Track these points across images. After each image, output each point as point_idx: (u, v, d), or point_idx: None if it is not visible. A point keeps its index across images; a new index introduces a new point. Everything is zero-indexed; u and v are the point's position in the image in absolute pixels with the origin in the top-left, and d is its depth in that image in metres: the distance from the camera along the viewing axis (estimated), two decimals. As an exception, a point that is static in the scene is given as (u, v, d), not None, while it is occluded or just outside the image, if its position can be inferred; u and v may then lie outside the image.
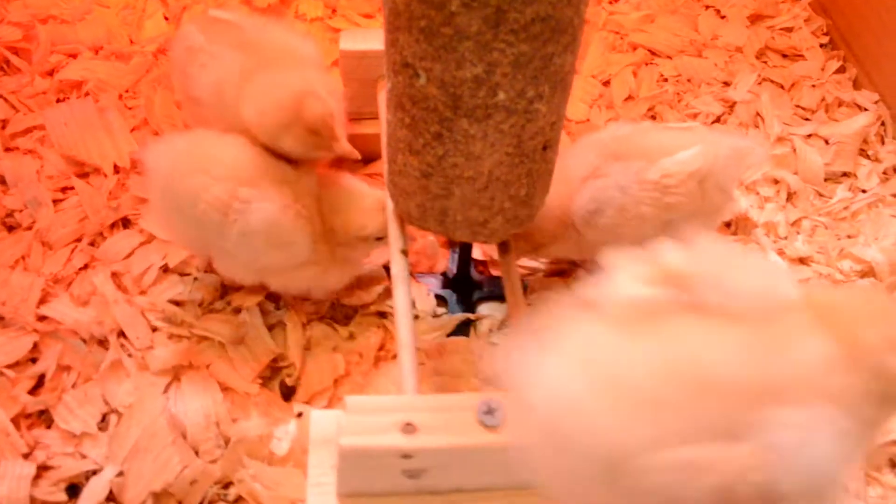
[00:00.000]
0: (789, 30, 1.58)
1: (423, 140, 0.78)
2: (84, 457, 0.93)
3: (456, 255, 1.13)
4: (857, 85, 1.48)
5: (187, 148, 0.95)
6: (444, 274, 1.15)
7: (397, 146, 0.83)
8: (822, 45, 1.55)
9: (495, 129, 0.75)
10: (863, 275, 1.19)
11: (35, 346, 1.02)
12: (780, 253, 1.21)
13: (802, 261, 1.20)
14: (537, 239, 1.04)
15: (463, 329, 1.09)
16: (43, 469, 0.92)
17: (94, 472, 0.92)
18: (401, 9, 0.70)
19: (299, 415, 0.98)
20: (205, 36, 1.04)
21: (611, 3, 1.62)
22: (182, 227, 0.98)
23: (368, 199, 0.99)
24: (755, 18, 1.60)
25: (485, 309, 1.12)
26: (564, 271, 1.16)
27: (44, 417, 0.97)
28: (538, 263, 1.18)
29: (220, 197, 0.91)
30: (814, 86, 1.47)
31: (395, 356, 1.05)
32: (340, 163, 1.16)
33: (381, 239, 0.98)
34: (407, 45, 0.72)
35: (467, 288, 1.13)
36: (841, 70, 1.50)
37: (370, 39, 1.13)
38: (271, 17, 1.42)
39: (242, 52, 1.01)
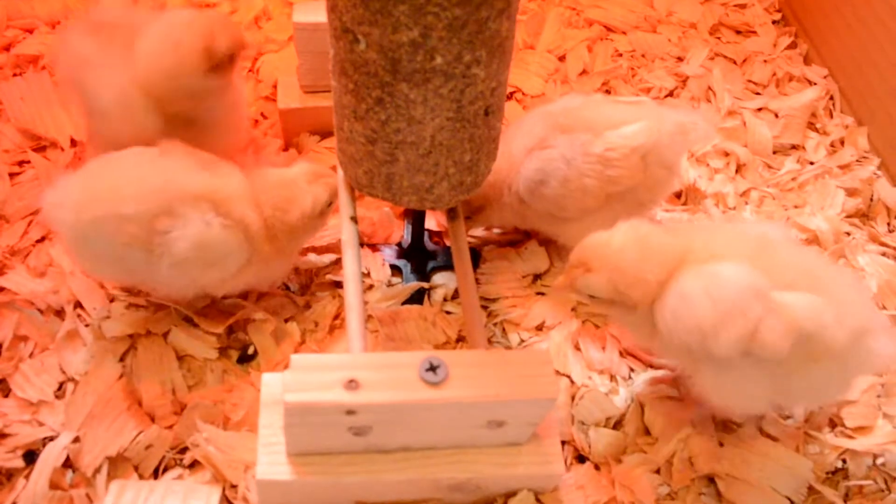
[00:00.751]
0: (742, 6, 1.61)
1: (366, 105, 0.80)
2: (41, 424, 0.95)
3: (410, 226, 1.15)
4: (807, 60, 1.52)
5: (88, 189, 0.88)
6: (399, 244, 1.17)
7: (343, 113, 0.85)
8: (774, 22, 1.58)
9: (434, 94, 0.77)
10: (808, 243, 1.22)
11: (-9, 316, 1.03)
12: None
13: (750, 230, 1.23)
14: (473, 203, 1.06)
15: (417, 298, 1.11)
16: (0, 436, 0.93)
17: (51, 439, 0.93)
18: (338, -26, 0.71)
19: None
20: (94, 43, 0.99)
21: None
22: (108, 268, 0.94)
23: (295, 179, 0.95)
24: (709, -5, 1.63)
25: (439, 278, 1.14)
26: (517, 241, 1.19)
27: (1, 386, 0.98)
28: (491, 233, 1.20)
29: (138, 235, 0.87)
30: (765, 61, 1.50)
31: (350, 324, 1.07)
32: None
33: (330, 206, 0.98)
34: (345, 9, 0.73)
35: (422, 257, 1.15)
36: (792, 46, 1.54)
37: (323, 11, 1.14)
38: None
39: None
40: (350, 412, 0.74)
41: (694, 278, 0.81)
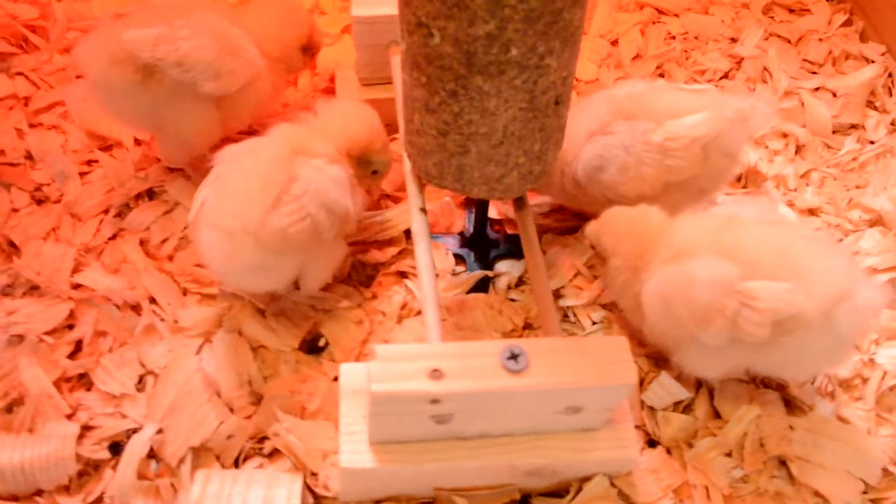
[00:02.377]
0: (796, -16, 1.59)
1: (439, 98, 0.81)
2: (124, 416, 0.98)
3: (472, 215, 1.16)
4: (863, 37, 1.50)
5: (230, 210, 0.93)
6: (461, 233, 1.18)
7: (414, 106, 0.86)
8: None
9: (508, 85, 0.78)
10: (872, 224, 1.21)
11: (71, 313, 1.06)
12: (790, 204, 1.23)
13: (812, 212, 1.23)
14: None
15: (481, 286, 1.12)
16: (86, 429, 0.96)
17: (135, 431, 0.96)
18: (414, -30, 0.72)
19: (336, 379, 1.01)
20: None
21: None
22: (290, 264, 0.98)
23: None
24: (762, -26, 1.61)
25: (502, 266, 1.15)
26: (575, 228, 1.19)
27: (83, 381, 1.01)
28: (549, 221, 1.21)
29: (292, 209, 0.92)
30: (820, 39, 1.48)
31: (417, 314, 1.09)
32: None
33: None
34: (420, 5, 0.74)
35: (484, 246, 1.16)
36: (847, 23, 1.52)
37: (381, 4, 1.16)
38: None
39: (200, 11, 1.08)
40: (434, 401, 0.75)
41: (670, 281, 0.90)
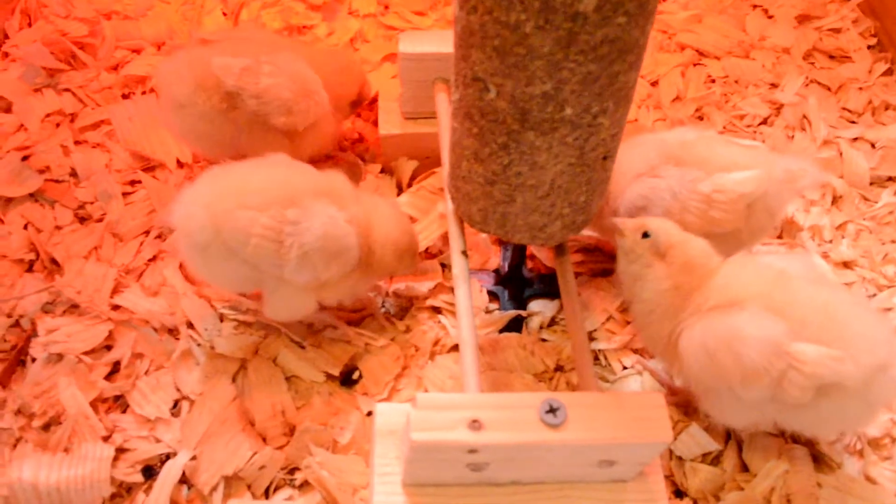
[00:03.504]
0: (837, 31, 1.59)
1: (490, 150, 0.82)
2: (158, 440, 0.99)
3: (508, 252, 1.16)
4: (904, 88, 1.49)
5: (215, 189, 0.93)
6: (495, 271, 1.19)
7: (462, 153, 0.87)
8: (869, 47, 1.56)
9: (560, 142, 0.78)
10: (906, 279, 1.21)
11: (110, 334, 1.07)
12: (825, 256, 1.23)
13: (847, 265, 1.23)
14: None
15: (515, 325, 1.13)
16: (120, 451, 0.98)
17: (168, 456, 0.98)
18: (475, 27, 0.73)
19: (369, 413, 1.02)
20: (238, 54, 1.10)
21: (659, 2, 1.64)
22: (232, 271, 0.95)
23: (404, 220, 1.05)
24: (803, 19, 1.61)
25: (535, 306, 1.15)
26: (609, 271, 1.20)
27: (119, 402, 1.03)
28: (584, 265, 1.21)
29: (270, 226, 0.90)
30: (861, 88, 1.48)
31: (450, 350, 1.09)
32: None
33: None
34: (479, 61, 0.75)
35: (518, 285, 1.16)
36: (888, 73, 1.51)
37: (427, 42, 1.17)
38: (307, 42, 1.53)
39: (283, 51, 1.13)
40: (472, 451, 0.76)
41: (717, 333, 0.87)
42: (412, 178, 1.28)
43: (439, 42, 1.16)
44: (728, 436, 1.03)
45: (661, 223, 0.94)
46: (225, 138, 1.12)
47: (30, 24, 1.47)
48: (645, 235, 0.93)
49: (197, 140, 1.14)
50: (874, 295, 1.19)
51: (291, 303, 1.00)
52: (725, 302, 0.89)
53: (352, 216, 0.96)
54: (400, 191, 1.28)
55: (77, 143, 1.31)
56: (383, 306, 1.14)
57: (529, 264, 1.20)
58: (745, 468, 1.01)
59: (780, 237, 1.26)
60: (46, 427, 0.99)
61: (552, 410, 0.77)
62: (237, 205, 0.90)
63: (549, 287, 1.16)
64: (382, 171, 1.30)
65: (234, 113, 1.10)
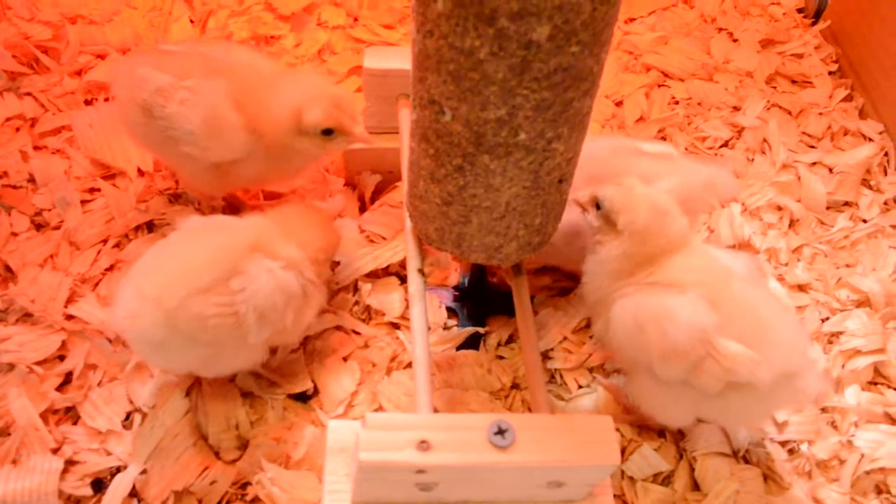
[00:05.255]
0: (800, 56, 1.62)
1: (446, 171, 0.82)
2: (109, 453, 0.98)
3: (470, 272, 1.17)
4: (863, 114, 1.52)
5: (158, 281, 0.88)
6: (455, 287, 1.19)
7: (419, 173, 0.87)
8: (830, 73, 1.59)
9: (514, 166, 0.79)
10: (859, 304, 1.23)
11: (63, 344, 1.06)
12: (780, 279, 1.25)
13: (801, 288, 1.25)
14: None
15: (472, 342, 1.14)
16: (70, 464, 0.96)
17: (119, 469, 0.97)
18: (431, 51, 0.74)
19: (322, 427, 1.02)
20: (169, 73, 1.03)
21: (626, 22, 1.66)
22: (194, 354, 0.92)
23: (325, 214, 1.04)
24: (767, 43, 1.64)
25: (494, 323, 1.16)
26: (567, 290, 1.20)
27: (70, 414, 1.02)
28: (541, 283, 1.22)
29: (221, 303, 0.88)
30: (821, 113, 1.51)
31: (406, 366, 1.10)
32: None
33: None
34: (434, 84, 0.76)
35: (478, 302, 1.17)
36: (848, 98, 1.54)
37: (393, 58, 1.17)
38: (274, 53, 1.51)
39: (217, 79, 1.03)
40: (420, 471, 0.76)
41: (651, 307, 0.90)
42: (375, 192, 1.28)
43: (404, 59, 1.16)
44: (680, 456, 1.04)
45: (611, 191, 0.93)
46: (153, 144, 1.09)
47: (-7, 26, 1.45)
48: (598, 207, 0.95)
49: (135, 140, 1.13)
50: (826, 318, 1.21)
51: (246, 361, 0.98)
52: (666, 281, 0.91)
53: (286, 259, 0.94)
54: (363, 203, 1.28)
55: (36, 148, 1.29)
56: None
57: (494, 280, 1.21)
58: (696, 488, 1.02)
59: (736, 259, 1.27)
60: (-5, 438, 0.98)
61: (501, 432, 0.77)
62: (187, 290, 0.87)
63: (508, 304, 1.16)
64: (346, 184, 1.30)
65: (153, 125, 1.05)
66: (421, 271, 0.96)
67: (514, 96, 0.72)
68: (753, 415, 0.98)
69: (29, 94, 1.36)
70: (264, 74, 1.07)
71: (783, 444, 1.07)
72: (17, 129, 1.31)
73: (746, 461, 1.05)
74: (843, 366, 1.15)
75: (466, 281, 1.18)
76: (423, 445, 0.76)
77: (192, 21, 1.54)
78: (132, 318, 0.87)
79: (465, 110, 0.75)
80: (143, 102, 1.03)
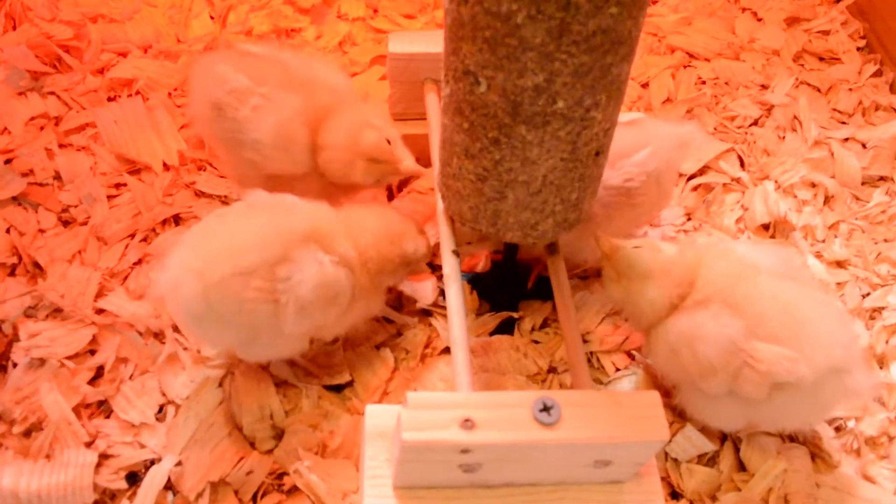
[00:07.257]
0: (826, 33, 1.59)
1: (481, 145, 0.81)
2: (143, 446, 0.97)
3: (498, 254, 1.15)
4: (893, 89, 1.49)
5: (203, 255, 0.86)
6: (487, 273, 1.17)
7: (453, 150, 0.86)
8: (858, 49, 1.56)
9: (552, 136, 0.77)
10: (900, 278, 1.20)
11: (94, 338, 1.05)
12: (818, 256, 1.22)
13: (840, 264, 1.22)
14: None
15: (505, 327, 1.12)
16: (104, 457, 0.95)
17: (153, 462, 0.95)
18: (465, 19, 0.72)
19: (359, 415, 1.00)
20: (244, 75, 1.03)
21: (651, 4, 1.64)
22: (232, 333, 0.90)
23: (403, 226, 0.99)
24: (792, 21, 1.61)
25: (526, 307, 1.14)
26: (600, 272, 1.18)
27: (103, 408, 1.00)
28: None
29: (263, 287, 0.85)
30: (851, 89, 1.48)
31: (441, 353, 1.08)
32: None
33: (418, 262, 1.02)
34: (469, 53, 0.74)
35: (510, 287, 1.15)
36: (878, 73, 1.51)
37: (417, 42, 1.16)
38: (295, 45, 1.50)
39: (294, 92, 1.03)
40: (465, 451, 0.74)
41: (680, 331, 0.90)
42: (403, 180, 1.26)
43: (429, 42, 1.15)
44: (724, 436, 1.02)
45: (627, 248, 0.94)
46: (221, 140, 1.09)
47: (14, 27, 1.45)
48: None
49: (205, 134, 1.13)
50: (868, 294, 1.18)
51: (284, 349, 0.96)
52: (692, 301, 0.91)
53: (340, 255, 0.91)
54: (390, 191, 1.27)
55: (61, 146, 1.28)
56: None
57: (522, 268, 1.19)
58: (742, 468, 1.00)
59: (773, 237, 1.25)
60: (27, 433, 0.97)
61: (546, 409, 0.75)
62: (228, 270, 0.84)
63: (540, 288, 1.14)
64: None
65: (222, 124, 1.05)
66: (455, 252, 0.94)
67: (552, 61, 0.70)
68: (806, 415, 0.95)
69: (52, 93, 1.35)
70: (340, 93, 1.08)
71: (829, 421, 1.04)
72: (42, 128, 1.30)
73: (792, 440, 1.02)
74: (886, 341, 1.13)
75: (497, 266, 1.16)
76: (468, 424, 0.74)
77: (212, 17, 1.54)
78: (174, 287, 0.85)
79: (501, 79, 0.73)
80: (216, 100, 1.03)
